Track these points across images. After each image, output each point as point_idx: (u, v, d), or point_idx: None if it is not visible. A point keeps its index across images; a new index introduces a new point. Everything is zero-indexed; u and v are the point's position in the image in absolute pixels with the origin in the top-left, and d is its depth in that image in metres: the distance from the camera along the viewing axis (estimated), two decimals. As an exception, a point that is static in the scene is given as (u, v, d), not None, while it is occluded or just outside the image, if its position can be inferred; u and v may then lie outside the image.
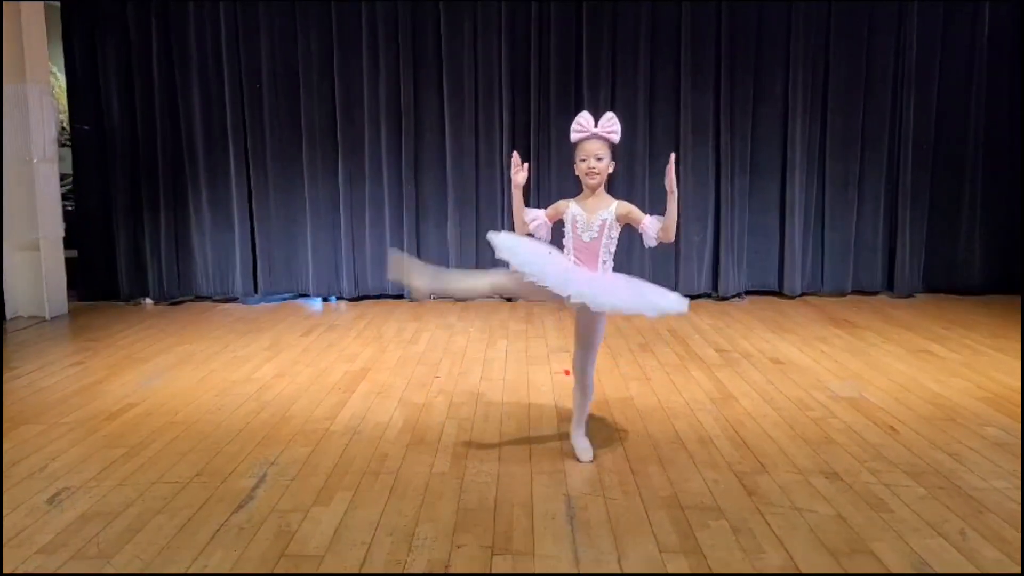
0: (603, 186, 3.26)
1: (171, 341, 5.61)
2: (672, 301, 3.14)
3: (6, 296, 6.36)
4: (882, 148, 7.07)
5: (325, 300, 7.26)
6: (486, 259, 7.07)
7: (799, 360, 4.91)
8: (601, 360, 4.79)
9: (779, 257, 7.17)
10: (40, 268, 6.46)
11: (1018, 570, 2.41)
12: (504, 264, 3.25)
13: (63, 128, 7.52)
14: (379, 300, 7.23)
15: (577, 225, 3.22)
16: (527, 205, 3.37)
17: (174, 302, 7.17)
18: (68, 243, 6.89)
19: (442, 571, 2.43)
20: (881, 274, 7.21)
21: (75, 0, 6.97)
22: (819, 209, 7.14)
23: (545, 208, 3.35)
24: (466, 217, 7.10)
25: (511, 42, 6.95)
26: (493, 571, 2.43)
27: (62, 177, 6.97)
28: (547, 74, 6.98)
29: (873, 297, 7.12)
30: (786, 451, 3.37)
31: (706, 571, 2.41)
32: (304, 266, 7.24)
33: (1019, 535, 2.60)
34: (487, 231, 7.30)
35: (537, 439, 3.54)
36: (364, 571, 2.44)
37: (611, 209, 3.21)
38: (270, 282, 7.24)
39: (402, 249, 7.13)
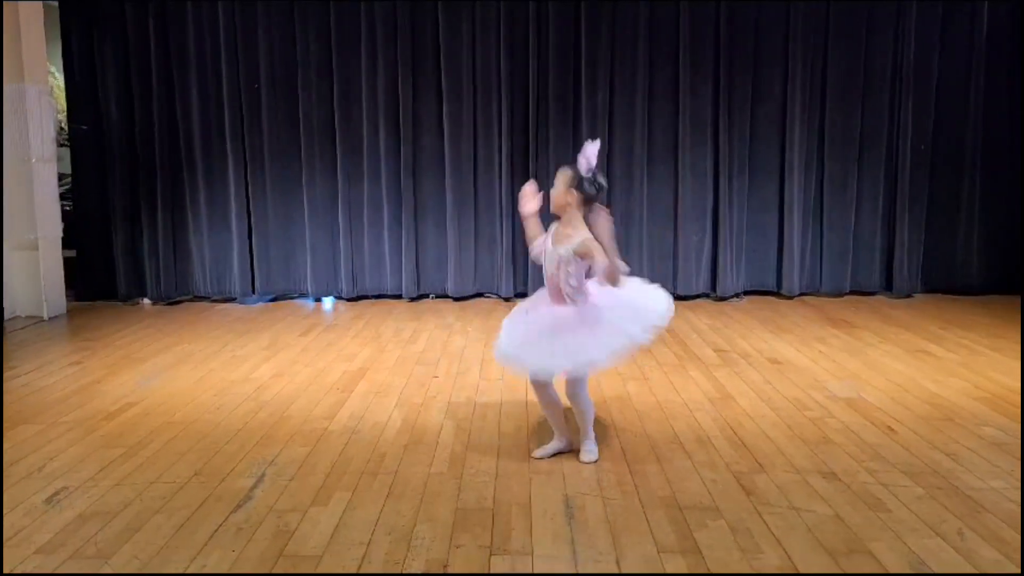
0: (575, 215, 3.14)
1: (169, 341, 5.61)
2: (633, 334, 3.10)
3: (4, 296, 6.35)
4: (880, 148, 7.07)
5: (318, 300, 7.26)
6: (484, 259, 7.11)
7: (797, 360, 4.91)
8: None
9: (777, 257, 7.17)
10: (38, 268, 6.45)
11: (1017, 570, 2.41)
12: (495, 287, 3.30)
13: (61, 128, 7.52)
14: (377, 300, 7.23)
15: (545, 255, 3.23)
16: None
17: (172, 302, 7.17)
18: (66, 243, 6.89)
19: (440, 571, 2.43)
20: (879, 274, 7.22)
21: (74, 0, 6.97)
22: (817, 209, 7.15)
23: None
24: (465, 217, 7.10)
25: (509, 42, 6.94)
26: (491, 571, 2.43)
27: (60, 177, 6.97)
28: (545, 74, 6.98)
29: (871, 297, 7.12)
30: (784, 451, 3.37)
31: (704, 571, 2.41)
32: (302, 266, 7.24)
33: (1017, 535, 2.61)
34: (486, 229, 7.35)
35: (536, 439, 3.54)
36: (362, 571, 2.44)
37: (571, 246, 3.10)
38: (268, 282, 7.24)
39: (401, 249, 7.14)
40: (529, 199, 3.28)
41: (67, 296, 6.85)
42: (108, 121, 7.05)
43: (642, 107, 7.00)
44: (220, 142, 7.08)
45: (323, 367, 4.85)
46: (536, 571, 2.43)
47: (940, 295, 7.11)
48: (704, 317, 6.30)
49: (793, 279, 7.09)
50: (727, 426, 3.70)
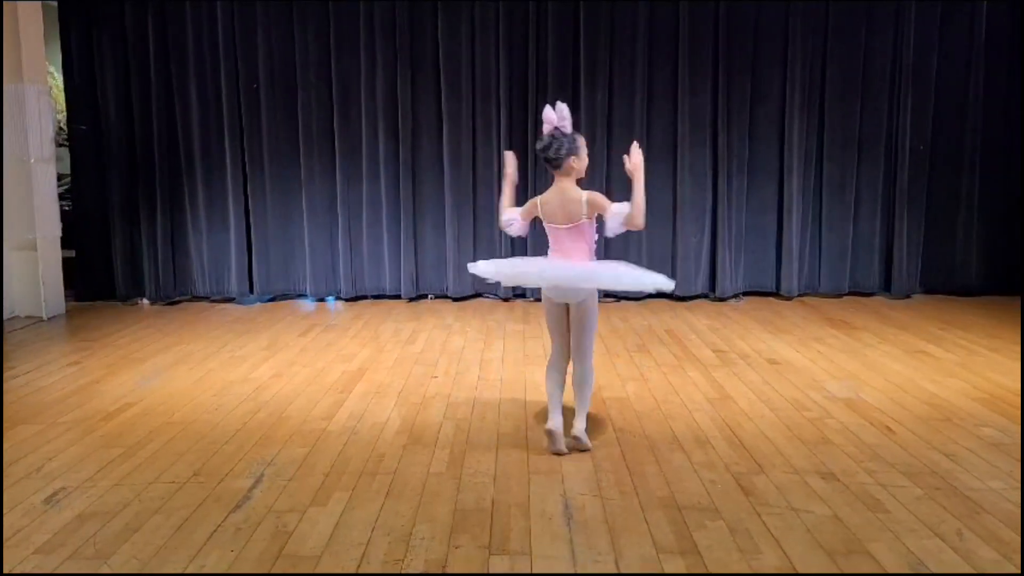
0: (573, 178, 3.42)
1: (168, 341, 5.61)
2: (657, 280, 3.35)
3: (3, 296, 6.35)
4: (879, 149, 7.08)
5: (321, 300, 7.26)
6: (484, 259, 7.06)
7: (796, 361, 4.92)
8: (598, 360, 4.80)
9: (776, 257, 7.17)
10: (37, 268, 6.45)
11: (1016, 570, 2.42)
12: (494, 287, 3.50)
13: (60, 128, 7.51)
14: (376, 300, 7.23)
15: (556, 220, 3.35)
16: (523, 201, 3.53)
17: (171, 302, 7.17)
18: (65, 243, 6.88)
19: (439, 571, 2.43)
20: (878, 275, 7.22)
21: (73, 0, 6.96)
22: (816, 210, 7.15)
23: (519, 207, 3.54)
24: (464, 217, 7.10)
25: (509, 42, 6.95)
26: (490, 571, 2.43)
27: (59, 177, 6.96)
28: (544, 74, 6.98)
29: (870, 298, 7.12)
30: (783, 451, 3.37)
31: (703, 571, 2.41)
32: (301, 266, 7.23)
33: (1016, 535, 2.61)
34: (485, 230, 7.35)
35: (534, 439, 3.54)
36: (361, 571, 2.44)
37: (583, 200, 3.33)
38: (267, 282, 7.24)
39: (400, 249, 7.13)
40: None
41: (66, 296, 6.84)
42: (107, 121, 7.04)
43: (641, 107, 7.00)
44: (219, 142, 7.07)
45: (322, 367, 4.85)
46: (535, 571, 2.43)
47: (939, 296, 7.11)
48: (703, 318, 6.30)
49: (792, 280, 7.09)
50: (726, 427, 3.70)
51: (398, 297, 7.20)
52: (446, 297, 7.22)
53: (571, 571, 2.43)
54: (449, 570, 2.44)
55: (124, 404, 4.12)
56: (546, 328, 3.51)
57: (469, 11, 6.92)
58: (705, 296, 7.18)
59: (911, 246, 7.09)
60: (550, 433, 3.37)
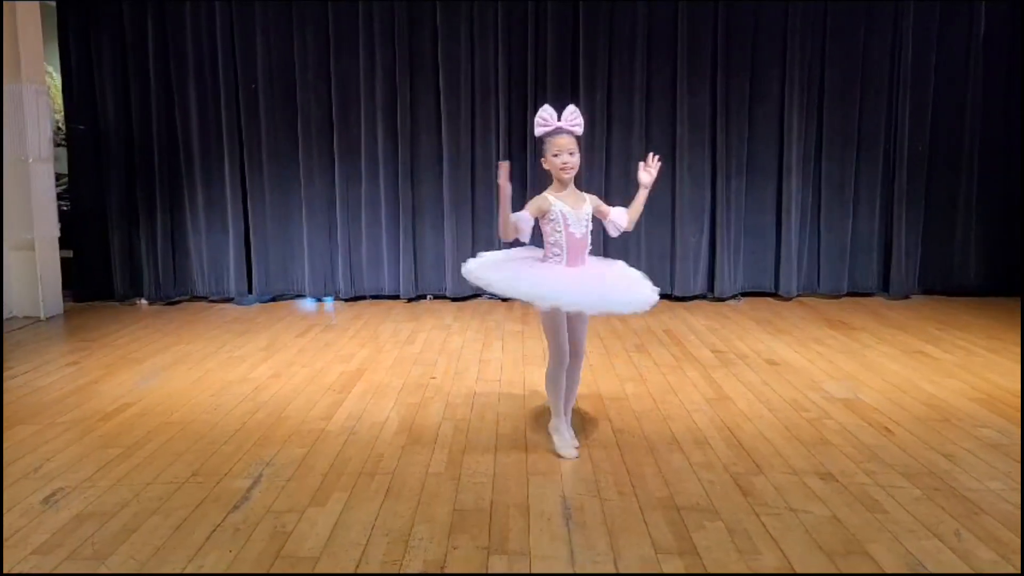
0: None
1: (167, 341, 5.60)
2: (653, 291, 3.35)
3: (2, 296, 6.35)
4: (878, 149, 7.09)
5: (320, 300, 7.26)
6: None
7: (794, 361, 4.92)
8: (597, 360, 4.83)
9: (775, 258, 7.18)
10: (35, 268, 6.44)
11: (1015, 570, 2.42)
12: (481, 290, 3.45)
13: (59, 128, 7.51)
14: (375, 300, 7.23)
15: (569, 222, 3.32)
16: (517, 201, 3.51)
17: (170, 302, 7.16)
18: (64, 243, 6.88)
19: (438, 571, 2.43)
20: (877, 275, 7.23)
21: (71, 0, 6.96)
22: (815, 210, 7.16)
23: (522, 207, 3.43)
24: (462, 217, 7.10)
25: (508, 42, 6.95)
26: (489, 571, 2.43)
27: (58, 177, 6.95)
28: (544, 74, 6.98)
29: (869, 298, 7.13)
30: (781, 452, 3.37)
31: (702, 572, 2.41)
32: (300, 267, 7.23)
33: (1014, 535, 2.61)
34: (484, 230, 7.34)
35: (533, 440, 3.54)
36: (360, 572, 2.44)
37: (589, 201, 3.40)
38: (266, 282, 7.23)
39: (399, 249, 7.13)
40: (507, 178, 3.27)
41: (64, 296, 6.83)
42: (105, 121, 7.04)
43: (640, 107, 7.00)
44: (218, 142, 7.07)
45: (321, 367, 4.85)
46: (534, 572, 2.43)
47: (937, 296, 7.12)
48: (702, 318, 6.30)
49: (791, 280, 7.09)
50: (725, 427, 3.70)
51: (397, 297, 7.20)
52: (445, 297, 7.22)
53: (570, 571, 2.43)
54: (448, 570, 2.44)
55: (122, 404, 4.12)
56: (546, 331, 3.39)
57: (468, 11, 6.92)
58: (704, 296, 7.18)
59: (910, 246, 7.10)
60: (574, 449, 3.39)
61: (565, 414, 3.46)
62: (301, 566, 2.47)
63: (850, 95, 7.02)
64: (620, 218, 3.44)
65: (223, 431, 3.69)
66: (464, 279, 3.54)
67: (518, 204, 3.47)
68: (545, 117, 3.33)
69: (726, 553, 2.52)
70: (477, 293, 7.22)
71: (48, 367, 4.92)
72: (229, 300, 7.20)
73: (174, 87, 7.03)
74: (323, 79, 7.02)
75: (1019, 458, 3.28)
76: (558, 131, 3.31)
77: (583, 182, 3.49)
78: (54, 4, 7.02)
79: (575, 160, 3.32)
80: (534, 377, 4.56)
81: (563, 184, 3.36)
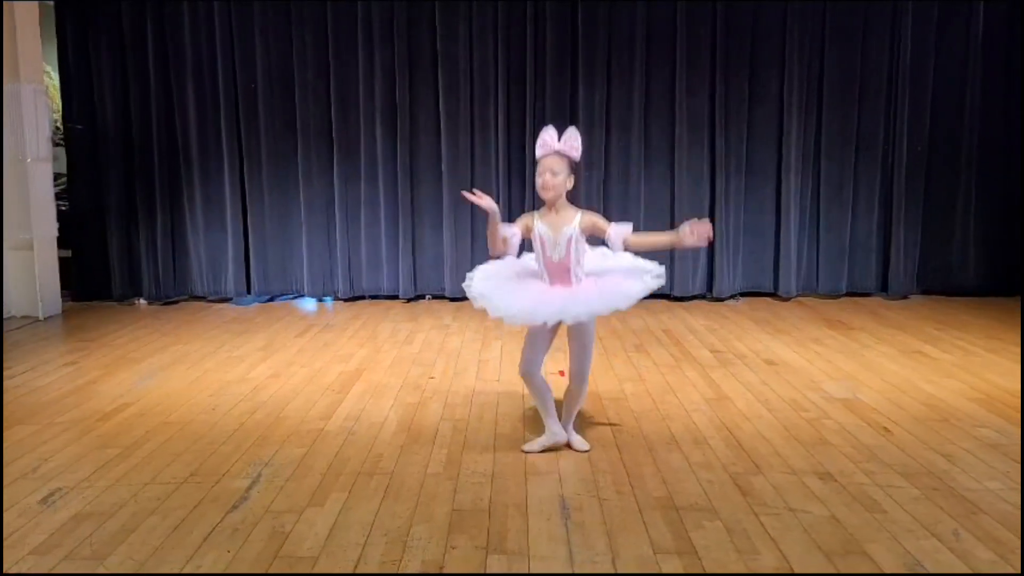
0: (565, 200, 3.31)
1: (165, 341, 5.60)
2: (646, 282, 3.27)
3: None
4: (877, 149, 7.09)
5: (320, 300, 7.25)
6: (481, 260, 6.94)
7: (793, 361, 4.92)
8: (596, 360, 4.80)
9: (774, 258, 7.17)
10: (34, 268, 6.43)
11: (1013, 570, 2.42)
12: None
13: (57, 127, 7.50)
14: (374, 300, 7.23)
15: (545, 245, 3.30)
16: (524, 209, 3.46)
17: (168, 302, 7.16)
18: (62, 243, 6.87)
19: (436, 572, 2.43)
20: (875, 275, 7.23)
21: (69, -1, 6.97)
22: (814, 210, 7.16)
23: (513, 222, 3.44)
24: (461, 217, 7.09)
25: (507, 42, 6.95)
26: (487, 571, 2.43)
27: (56, 177, 6.94)
28: (543, 74, 6.98)
29: (867, 298, 7.13)
30: (780, 452, 3.37)
31: (700, 572, 2.41)
32: (299, 266, 7.23)
33: (1012, 535, 2.61)
34: (482, 230, 7.33)
35: (532, 440, 3.53)
36: (358, 572, 2.43)
37: (575, 223, 3.27)
38: (264, 282, 7.23)
39: (398, 249, 7.13)
40: (482, 199, 3.28)
41: (62, 296, 6.83)
42: (104, 120, 7.03)
43: (639, 107, 7.00)
44: (216, 142, 7.07)
45: (319, 367, 4.85)
46: (532, 571, 2.42)
47: (936, 296, 7.12)
48: (700, 318, 6.30)
49: (790, 280, 7.09)
50: (723, 427, 3.70)
51: (396, 297, 7.20)
52: (443, 297, 7.22)
53: (568, 571, 2.42)
54: (446, 570, 2.43)
55: (121, 404, 4.11)
56: (525, 335, 3.39)
57: (467, 12, 6.92)
58: (702, 296, 7.18)
59: (908, 246, 7.10)
60: (552, 445, 3.40)
61: (566, 421, 3.46)
62: (299, 566, 2.47)
63: (849, 95, 7.01)
64: (616, 237, 3.26)
65: (221, 431, 3.69)
66: (462, 279, 3.56)
67: (517, 211, 3.48)
68: (544, 139, 3.29)
69: (725, 553, 2.52)
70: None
71: (46, 367, 4.91)
72: (228, 300, 7.19)
73: (173, 87, 7.02)
74: (322, 79, 7.02)
75: (1017, 458, 3.28)
76: (549, 153, 3.28)
77: (581, 184, 3.46)
78: (52, 3, 7.02)
79: (554, 181, 3.24)
80: (533, 377, 4.56)
81: (548, 205, 3.32)
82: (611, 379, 4.51)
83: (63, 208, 7.17)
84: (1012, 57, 6.95)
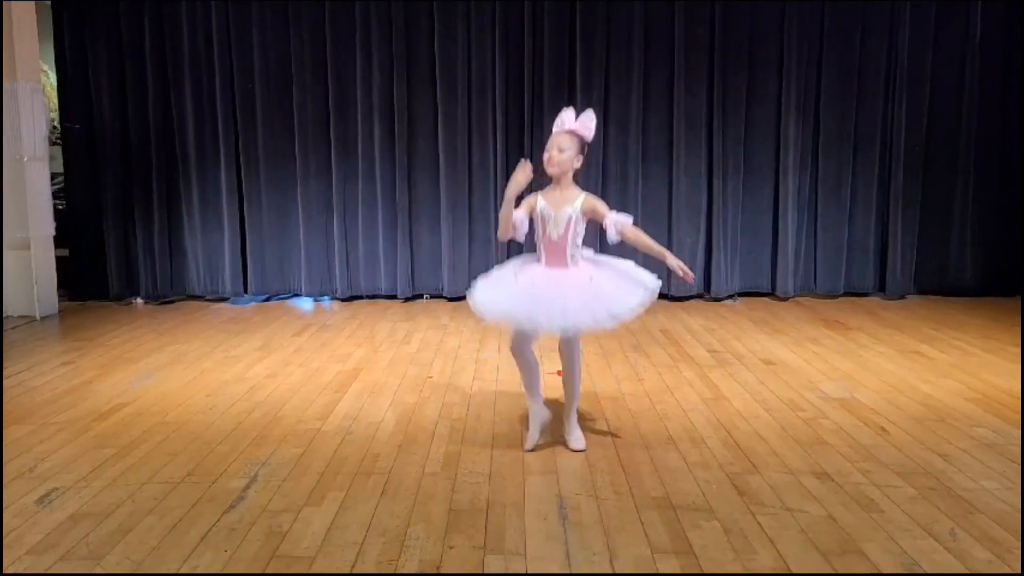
0: (571, 179, 3.35)
1: (162, 341, 5.59)
2: (640, 297, 3.27)
3: (-4, 295, 6.34)
4: (874, 149, 7.09)
5: (319, 300, 7.25)
6: (479, 260, 7.07)
7: (791, 361, 4.92)
8: (593, 360, 4.82)
9: (772, 258, 7.18)
10: (30, 267, 6.42)
11: (1010, 570, 2.42)
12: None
13: (54, 127, 7.49)
14: (372, 300, 7.22)
15: (546, 223, 3.33)
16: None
17: (165, 301, 7.15)
18: (59, 242, 6.86)
19: (434, 571, 2.43)
20: (873, 276, 7.23)
21: (67, -2, 6.96)
22: (812, 210, 7.16)
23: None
24: (459, 217, 7.09)
25: (505, 42, 6.94)
26: (485, 571, 2.43)
27: (53, 176, 6.93)
28: (540, 74, 6.98)
29: (865, 298, 7.14)
30: (777, 452, 3.37)
31: (698, 571, 2.41)
32: (296, 266, 7.22)
33: (1009, 535, 2.62)
34: (480, 230, 7.34)
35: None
36: (355, 572, 2.43)
37: (577, 204, 3.31)
38: (262, 282, 7.22)
39: (396, 249, 7.13)
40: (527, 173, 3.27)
41: (59, 296, 6.82)
42: (101, 120, 7.02)
43: (637, 107, 7.00)
44: (214, 141, 7.06)
45: (317, 367, 4.84)
46: (530, 571, 2.42)
47: (933, 296, 7.13)
48: (698, 318, 6.30)
49: (787, 280, 7.10)
50: (721, 427, 3.70)
51: (393, 297, 7.20)
52: (441, 297, 7.22)
53: (566, 571, 2.42)
54: (444, 570, 2.43)
55: (118, 404, 4.11)
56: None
57: (465, 11, 6.92)
58: (700, 296, 7.18)
59: (906, 247, 7.11)
60: (542, 425, 3.41)
61: (566, 418, 3.47)
62: (297, 566, 2.46)
63: (847, 96, 7.02)
64: (613, 227, 3.29)
65: (219, 431, 3.69)
66: (460, 279, 3.58)
67: (518, 199, 3.52)
68: (562, 118, 3.34)
69: (722, 552, 2.52)
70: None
71: (43, 367, 4.90)
72: (225, 299, 7.19)
73: (170, 86, 7.01)
74: (320, 79, 7.01)
75: (1014, 457, 3.28)
76: (561, 131, 3.33)
77: (580, 181, 3.47)
78: (49, 2, 7.00)
79: (560, 157, 3.28)
80: (530, 377, 4.56)
81: (554, 181, 3.36)
82: (609, 379, 4.51)
83: (60, 207, 7.16)
84: (1010, 57, 6.95)
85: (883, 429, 3.65)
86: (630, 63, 6.96)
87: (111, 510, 2.85)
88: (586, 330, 3.23)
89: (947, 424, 3.71)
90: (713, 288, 7.09)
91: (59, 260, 6.83)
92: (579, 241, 3.35)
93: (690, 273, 3.39)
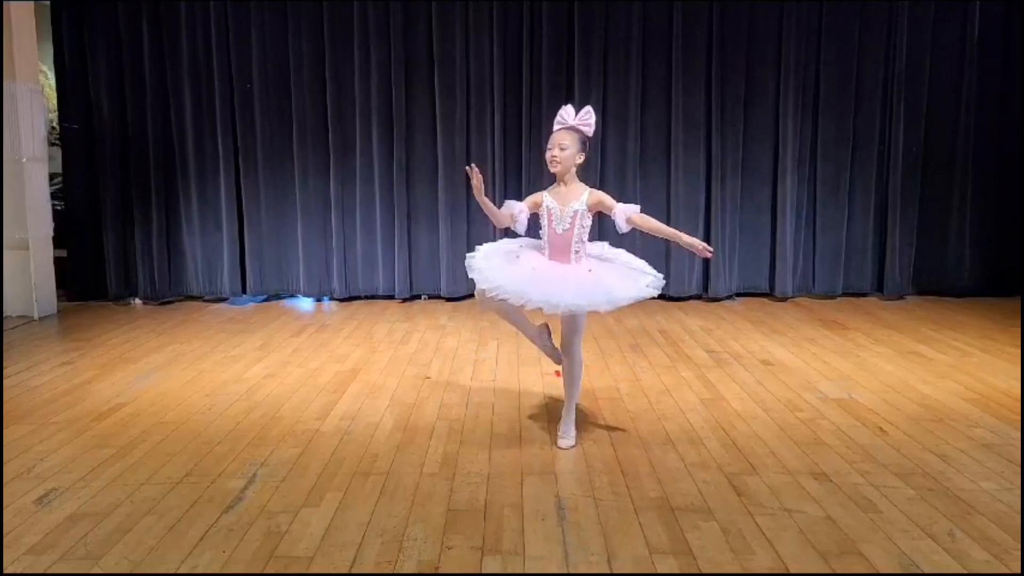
0: (574, 175, 3.43)
1: (161, 341, 5.59)
2: (639, 288, 3.31)
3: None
4: (873, 150, 7.10)
5: (319, 300, 7.25)
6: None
7: (789, 361, 4.93)
8: (592, 360, 4.82)
9: (770, 259, 7.19)
10: (29, 267, 6.42)
11: (1009, 570, 2.42)
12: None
13: (52, 127, 7.49)
14: (370, 300, 7.22)
15: (552, 217, 3.39)
16: (517, 200, 3.56)
17: (164, 302, 7.15)
18: (57, 243, 6.86)
19: (432, 572, 2.43)
20: (871, 276, 7.24)
21: (65, -1, 6.95)
22: (810, 211, 7.17)
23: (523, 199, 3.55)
24: (457, 217, 7.10)
25: (503, 42, 6.95)
26: (483, 571, 2.43)
27: (51, 176, 6.93)
28: (539, 74, 6.99)
29: (863, 299, 7.15)
30: (776, 452, 3.38)
31: (696, 572, 2.42)
32: (295, 266, 7.22)
33: (1007, 536, 2.62)
34: (477, 230, 7.34)
35: (528, 440, 3.54)
36: (354, 572, 2.43)
37: (583, 199, 3.38)
38: (260, 282, 7.22)
39: (394, 249, 7.14)
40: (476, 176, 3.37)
41: (58, 296, 6.82)
42: (99, 120, 7.02)
43: (635, 108, 7.01)
44: (212, 142, 7.06)
45: (315, 368, 4.84)
46: (528, 572, 2.43)
47: (931, 297, 7.14)
48: (696, 318, 6.31)
49: (786, 281, 7.10)
50: (719, 427, 3.70)
51: (392, 297, 7.20)
52: (439, 297, 7.22)
53: (564, 571, 2.43)
54: (442, 571, 2.43)
55: (116, 404, 4.11)
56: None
57: (463, 11, 6.92)
58: (698, 297, 7.18)
59: (904, 247, 7.12)
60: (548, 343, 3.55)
61: (563, 415, 3.50)
62: (295, 566, 2.46)
63: (845, 96, 7.03)
64: (621, 216, 3.37)
65: (217, 431, 3.69)
66: (459, 279, 3.59)
67: (517, 199, 3.58)
68: (562, 115, 3.41)
69: (720, 553, 2.52)
70: (472, 293, 7.20)
71: (42, 367, 4.90)
72: (223, 300, 7.18)
73: (168, 86, 7.01)
74: (318, 79, 7.01)
75: (1012, 458, 3.29)
76: (563, 127, 3.40)
77: (580, 178, 3.50)
78: (48, 2, 7.00)
79: (563, 155, 3.36)
80: (529, 377, 4.57)
81: (557, 179, 3.42)
82: (607, 379, 4.52)
83: (59, 208, 7.16)
84: (1009, 58, 6.96)
85: (881, 430, 3.65)
86: (628, 64, 6.96)
87: (110, 510, 2.85)
88: (576, 309, 3.23)
89: (945, 425, 3.72)
90: (711, 288, 7.10)
91: (58, 260, 6.83)
92: (584, 236, 3.41)
93: (709, 247, 3.43)
